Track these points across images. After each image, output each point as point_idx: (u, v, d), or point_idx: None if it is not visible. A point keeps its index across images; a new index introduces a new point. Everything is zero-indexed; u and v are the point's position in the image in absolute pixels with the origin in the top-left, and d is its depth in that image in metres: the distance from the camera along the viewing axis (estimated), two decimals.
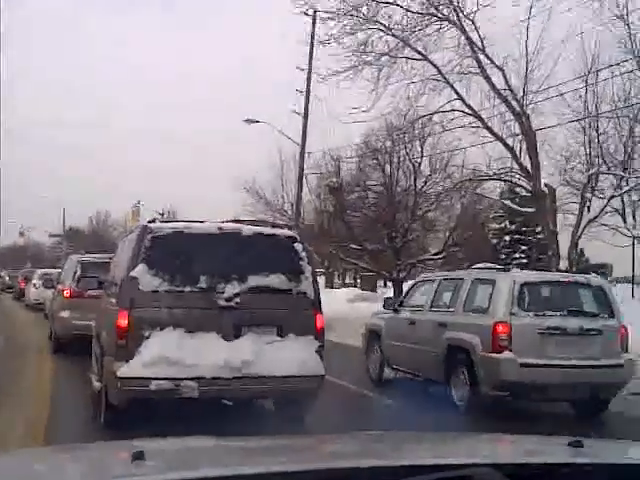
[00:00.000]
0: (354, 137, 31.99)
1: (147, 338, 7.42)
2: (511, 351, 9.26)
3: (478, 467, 1.66)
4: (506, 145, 19.97)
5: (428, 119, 20.87)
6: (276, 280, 7.90)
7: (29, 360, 14.20)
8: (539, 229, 52.35)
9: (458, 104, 20.07)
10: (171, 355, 7.32)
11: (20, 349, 15.88)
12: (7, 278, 55.68)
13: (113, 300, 8.28)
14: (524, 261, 50.49)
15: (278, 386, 7.52)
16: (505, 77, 19.13)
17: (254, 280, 7.81)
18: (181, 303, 7.60)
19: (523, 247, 51.49)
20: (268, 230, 8.65)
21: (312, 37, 26.38)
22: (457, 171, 27.20)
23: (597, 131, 20.15)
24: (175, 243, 7.84)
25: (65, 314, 15.07)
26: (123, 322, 7.50)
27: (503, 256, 44.58)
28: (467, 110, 19.91)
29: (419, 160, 29.75)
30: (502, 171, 21.12)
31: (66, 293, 15.50)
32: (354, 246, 30.38)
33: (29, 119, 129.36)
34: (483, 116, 20.01)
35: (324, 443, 2.67)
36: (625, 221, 30.56)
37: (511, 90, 19.23)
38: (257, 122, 29.22)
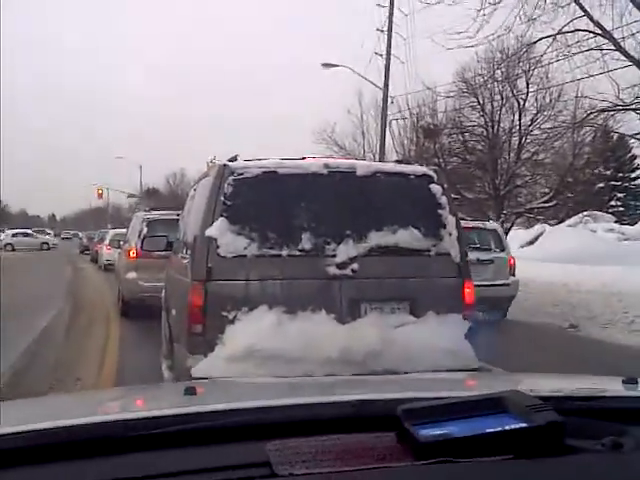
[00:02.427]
0: (447, 76, 29.76)
1: (232, 322, 5.53)
2: None
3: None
4: None
5: (553, 39, 18.07)
6: (407, 236, 5.90)
7: (93, 333, 12.99)
8: (635, 175, 51.39)
9: (583, 24, 17.35)
10: (266, 346, 5.40)
11: (86, 318, 14.89)
12: (85, 240, 55.82)
13: (184, 268, 6.35)
14: (621, 209, 49.17)
15: None
16: None
17: (376, 238, 5.84)
18: (277, 272, 5.68)
19: (619, 194, 50.17)
20: (393, 167, 6.49)
21: None
22: (572, 105, 24.53)
23: None
24: (266, 188, 5.84)
25: (132, 275, 14.45)
26: (198, 301, 5.60)
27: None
28: (595, 29, 17.15)
29: (524, 96, 27.15)
30: (637, 101, 18.30)
31: (132, 253, 14.78)
32: (452, 195, 28.12)
33: (105, 83, 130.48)
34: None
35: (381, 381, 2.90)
36: None
37: None
38: (336, 66, 27.92)
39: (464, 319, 5.93)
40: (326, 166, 5.96)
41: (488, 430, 1.42)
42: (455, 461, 1.34)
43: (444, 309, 5.86)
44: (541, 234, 32.99)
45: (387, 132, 28.49)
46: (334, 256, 5.72)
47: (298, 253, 5.70)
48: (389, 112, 27.59)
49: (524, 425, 1.41)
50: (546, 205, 28.70)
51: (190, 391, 2.07)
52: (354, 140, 36.00)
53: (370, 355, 5.46)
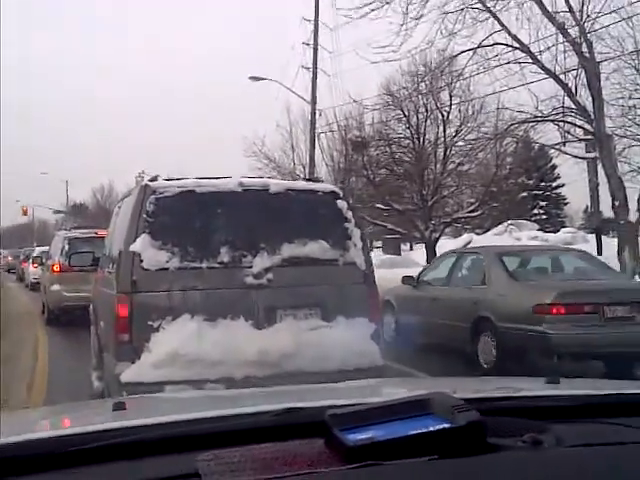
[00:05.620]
0: (373, 89, 30.56)
1: (156, 331, 6.05)
2: None
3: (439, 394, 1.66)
4: (560, 82, 18.13)
5: (473, 52, 18.86)
6: (317, 248, 6.53)
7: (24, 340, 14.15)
8: (556, 184, 53.18)
9: (502, 38, 18.22)
10: (189, 351, 5.95)
11: (15, 332, 15.51)
12: (10, 258, 54.90)
13: (110, 282, 6.87)
14: (544, 217, 50.93)
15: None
16: None
17: (289, 249, 6.45)
18: (198, 283, 6.24)
19: (542, 203, 51.84)
20: (303, 185, 7.25)
21: None
22: (493, 117, 25.58)
23: None
24: (185, 206, 6.41)
25: (56, 287, 16.61)
26: (124, 311, 6.12)
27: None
28: (513, 43, 18.04)
29: (448, 109, 28.16)
30: (555, 112, 19.23)
31: (55, 268, 16.98)
32: (380, 206, 28.85)
33: (25, 92, 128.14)
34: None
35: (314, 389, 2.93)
36: None
37: (572, 12, 17.31)
38: (263, 79, 28.36)
39: (370, 321, 6.56)
40: (241, 184, 6.56)
41: (413, 432, 1.46)
42: (381, 464, 1.38)
43: (352, 313, 6.47)
44: (468, 243, 34.03)
45: (316, 145, 29.10)
46: (250, 267, 6.29)
47: (217, 265, 6.25)
48: (317, 125, 28.23)
49: (447, 426, 1.46)
50: (472, 214, 29.69)
51: (119, 406, 2.10)
52: (284, 153, 36.42)
53: (285, 357, 6.05)
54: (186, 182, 6.58)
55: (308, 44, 27.03)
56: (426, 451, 1.42)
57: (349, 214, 6.78)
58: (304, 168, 32.23)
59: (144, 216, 6.23)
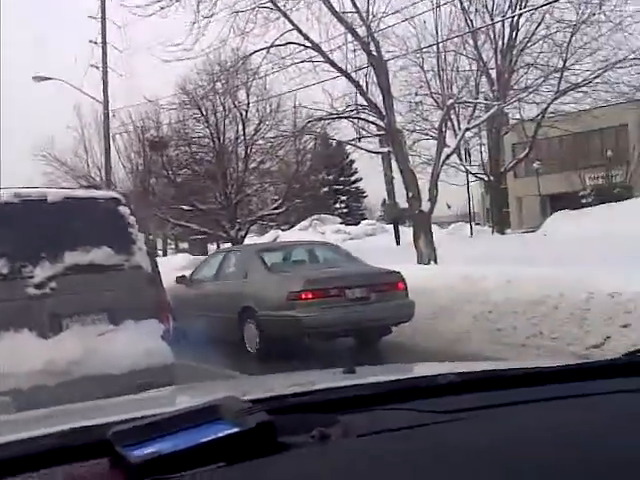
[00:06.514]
0: (170, 88, 30.23)
1: None
2: None
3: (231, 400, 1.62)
4: (352, 80, 18.85)
5: (267, 51, 19.17)
6: (101, 254, 6.63)
7: None
8: (354, 178, 55.46)
9: (294, 38, 18.67)
10: None
11: None
12: None
13: None
14: (345, 210, 53.15)
15: (118, 386, 6.05)
16: None
17: (72, 257, 6.48)
18: None
19: (342, 197, 54.02)
20: (83, 193, 7.50)
21: None
22: (291, 115, 26.16)
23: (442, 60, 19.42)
24: None
25: None
26: None
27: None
28: (305, 42, 18.52)
29: (246, 107, 28.52)
30: (349, 109, 19.98)
31: None
32: (184, 207, 28.71)
33: None
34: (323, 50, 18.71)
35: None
36: (461, 159, 31.05)
37: (359, 12, 17.97)
38: (48, 79, 26.90)
39: (159, 322, 6.80)
40: (17, 195, 6.47)
41: (202, 440, 1.42)
42: (167, 477, 1.33)
43: (140, 315, 6.65)
44: (275, 240, 34.68)
45: (112, 146, 28.40)
46: (32, 277, 6.24)
47: None
48: (112, 126, 27.46)
49: (236, 430, 1.43)
50: (277, 211, 30.21)
51: None
52: (76, 156, 35.41)
53: (73, 363, 6.10)
54: None
55: (96, 42, 25.98)
56: (216, 458, 1.39)
57: (132, 219, 6.91)
58: (100, 171, 31.46)
59: None
